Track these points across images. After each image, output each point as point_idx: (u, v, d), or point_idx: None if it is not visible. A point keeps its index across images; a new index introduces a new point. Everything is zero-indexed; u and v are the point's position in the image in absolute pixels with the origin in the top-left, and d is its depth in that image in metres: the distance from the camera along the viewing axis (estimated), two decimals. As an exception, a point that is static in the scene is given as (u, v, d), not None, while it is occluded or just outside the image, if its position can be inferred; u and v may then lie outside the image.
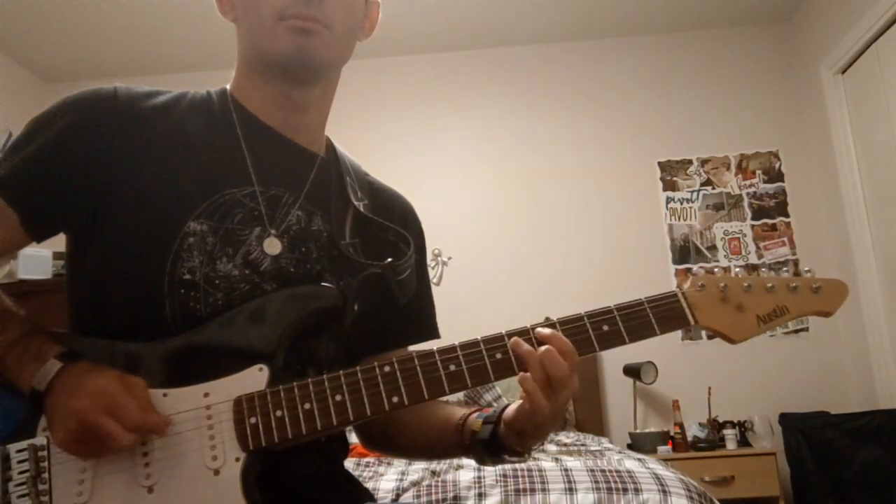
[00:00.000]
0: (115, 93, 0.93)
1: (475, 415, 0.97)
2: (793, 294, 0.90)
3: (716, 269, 0.92)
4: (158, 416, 0.80)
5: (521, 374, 0.83)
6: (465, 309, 3.38)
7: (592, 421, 3.71)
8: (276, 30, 0.92)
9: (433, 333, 1.11)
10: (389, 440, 1.09)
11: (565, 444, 2.82)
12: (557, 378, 0.82)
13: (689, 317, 0.88)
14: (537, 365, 0.82)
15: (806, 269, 0.93)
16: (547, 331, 0.85)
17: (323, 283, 0.93)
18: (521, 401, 0.87)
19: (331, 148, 1.08)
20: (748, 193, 4.04)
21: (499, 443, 0.92)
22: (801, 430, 3.32)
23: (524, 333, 0.86)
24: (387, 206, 1.10)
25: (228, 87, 1.03)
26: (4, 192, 0.88)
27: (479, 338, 0.85)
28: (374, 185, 1.11)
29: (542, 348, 0.83)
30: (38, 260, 3.24)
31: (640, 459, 2.18)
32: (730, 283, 0.90)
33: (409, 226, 1.10)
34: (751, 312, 0.89)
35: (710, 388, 3.64)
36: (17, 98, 4.11)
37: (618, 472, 1.86)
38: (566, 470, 1.87)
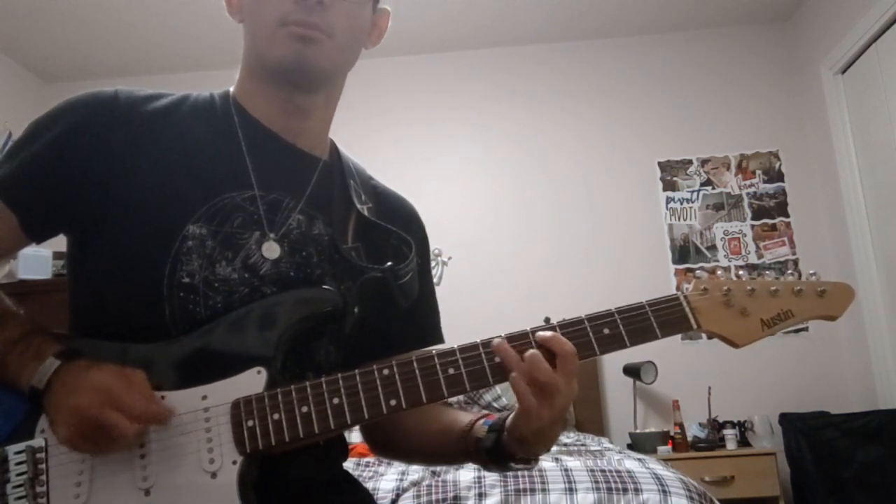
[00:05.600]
0: (116, 95, 0.93)
1: (481, 421, 0.96)
2: (797, 298, 0.88)
3: (719, 272, 0.90)
4: (161, 406, 0.81)
5: (512, 375, 0.82)
6: (464, 309, 3.37)
7: (592, 421, 3.71)
8: (276, 35, 0.91)
9: (436, 338, 1.10)
10: (394, 445, 1.08)
11: (565, 444, 2.82)
12: (541, 382, 0.81)
13: (692, 321, 0.87)
14: (520, 367, 0.82)
15: (811, 271, 0.91)
16: (548, 333, 0.84)
17: (323, 287, 0.93)
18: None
19: (334, 152, 1.08)
20: (748, 193, 4.04)
21: (503, 450, 0.91)
22: (801, 430, 3.32)
23: (523, 337, 0.85)
24: (390, 209, 1.09)
25: (232, 89, 1.03)
26: (4, 194, 0.89)
27: (478, 341, 0.85)
28: (379, 189, 1.11)
29: (528, 352, 0.82)
30: (38, 260, 3.24)
31: (640, 459, 2.18)
32: (733, 286, 0.88)
33: (413, 230, 1.09)
34: (755, 317, 0.87)
35: (710, 388, 3.63)
36: (17, 98, 4.11)
37: (618, 472, 1.86)
38: (566, 470, 1.87)
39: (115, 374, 0.80)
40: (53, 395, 0.80)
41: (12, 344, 0.84)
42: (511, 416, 0.89)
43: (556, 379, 0.81)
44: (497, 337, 0.85)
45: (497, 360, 0.84)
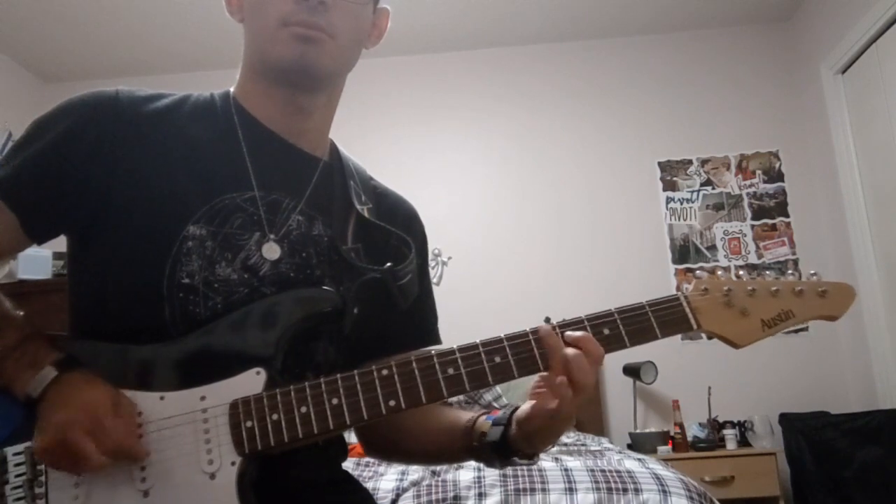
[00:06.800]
0: (117, 96, 0.93)
1: (483, 417, 0.96)
2: (798, 298, 0.88)
3: (719, 272, 0.90)
4: (139, 446, 0.80)
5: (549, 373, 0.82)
6: (464, 309, 3.38)
7: (592, 421, 3.71)
8: (279, 35, 0.91)
9: (434, 339, 1.10)
10: (394, 446, 1.08)
11: (565, 444, 2.82)
12: (582, 384, 0.81)
13: (692, 321, 0.87)
14: (562, 365, 0.81)
15: (812, 272, 0.91)
16: (579, 333, 0.83)
17: (323, 287, 0.93)
18: (533, 401, 0.86)
19: (335, 152, 1.07)
20: (748, 193, 4.04)
21: (509, 445, 0.91)
22: (801, 430, 3.32)
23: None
24: (391, 210, 1.09)
25: (232, 89, 1.03)
26: (5, 195, 0.88)
27: (477, 341, 0.85)
28: (379, 190, 1.11)
29: (572, 351, 0.81)
30: (38, 260, 3.24)
31: (640, 459, 2.18)
32: (734, 286, 0.88)
33: (413, 230, 1.09)
34: (755, 317, 0.87)
35: (710, 388, 3.64)
36: (16, 98, 4.11)
37: (618, 472, 1.86)
38: (566, 470, 1.86)
39: (105, 398, 0.79)
40: (45, 406, 0.80)
41: (9, 350, 0.84)
42: (525, 410, 0.88)
43: (593, 379, 0.82)
44: (497, 337, 0.85)
45: (497, 360, 0.84)
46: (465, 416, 0.99)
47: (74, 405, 0.78)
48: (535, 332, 0.85)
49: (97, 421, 0.77)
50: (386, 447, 1.09)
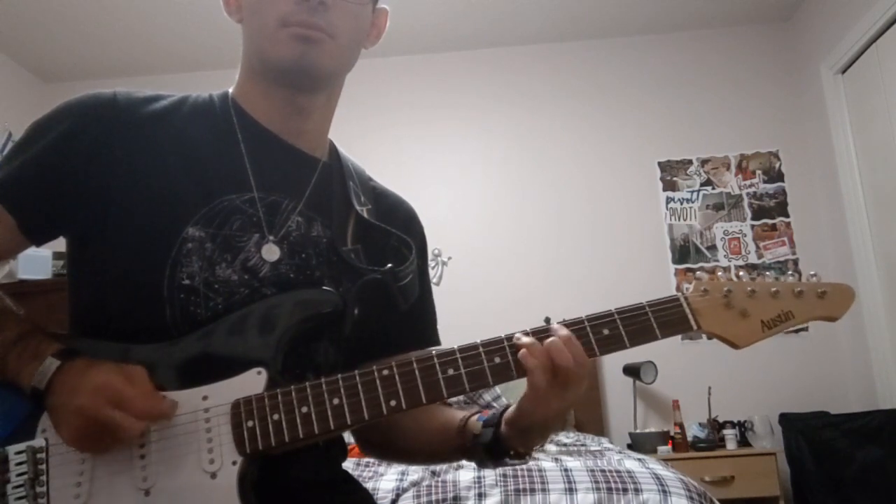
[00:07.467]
0: (115, 97, 0.93)
1: (475, 417, 0.96)
2: (798, 299, 0.88)
3: (720, 272, 0.91)
4: (164, 401, 0.81)
5: (523, 352, 0.82)
6: (464, 309, 3.38)
7: (592, 421, 3.71)
8: (278, 35, 0.91)
9: (434, 340, 1.11)
10: (390, 445, 1.08)
11: (565, 444, 2.82)
12: (563, 368, 0.81)
13: (692, 322, 0.87)
14: (541, 352, 0.82)
15: (811, 272, 0.92)
16: (566, 332, 0.84)
17: (323, 288, 0.93)
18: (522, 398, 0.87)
19: (334, 152, 1.08)
20: (748, 193, 4.04)
21: (500, 445, 0.91)
22: (801, 430, 3.32)
23: (541, 331, 0.85)
24: (390, 210, 1.09)
25: (231, 90, 1.03)
26: (3, 198, 0.89)
27: (478, 342, 0.85)
28: (378, 190, 1.11)
29: (548, 340, 0.82)
30: (38, 260, 3.24)
31: (640, 459, 2.18)
32: (734, 288, 0.88)
33: (412, 231, 1.09)
34: (755, 318, 0.87)
35: (710, 388, 3.64)
36: (16, 98, 4.11)
37: (618, 472, 1.86)
38: (566, 470, 1.87)
39: (115, 372, 0.80)
40: (55, 397, 0.80)
41: (10, 344, 0.84)
42: (514, 406, 0.89)
43: (573, 366, 0.82)
44: (497, 337, 0.85)
45: (497, 360, 0.84)
46: (459, 415, 0.99)
47: (88, 388, 0.78)
48: (534, 333, 0.85)
49: (116, 392, 0.78)
50: (382, 446, 1.10)
